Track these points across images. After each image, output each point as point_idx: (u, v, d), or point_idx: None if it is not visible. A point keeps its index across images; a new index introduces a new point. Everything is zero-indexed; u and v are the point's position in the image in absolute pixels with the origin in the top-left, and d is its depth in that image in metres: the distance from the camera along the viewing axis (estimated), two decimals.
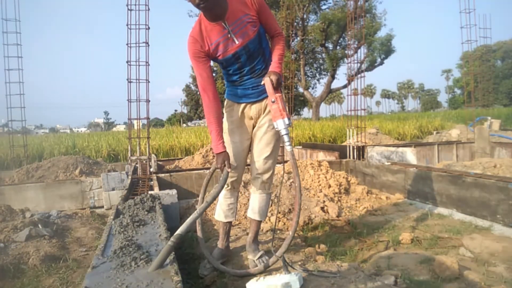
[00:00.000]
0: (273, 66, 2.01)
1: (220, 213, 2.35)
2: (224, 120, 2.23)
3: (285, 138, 1.89)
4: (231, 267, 2.23)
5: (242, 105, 2.17)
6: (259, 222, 2.32)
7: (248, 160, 2.33)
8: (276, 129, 1.93)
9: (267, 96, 2.02)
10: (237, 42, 1.96)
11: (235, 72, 2.09)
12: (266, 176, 2.19)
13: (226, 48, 1.98)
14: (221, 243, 2.38)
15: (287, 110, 1.93)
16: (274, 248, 2.04)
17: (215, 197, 1.98)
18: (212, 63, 2.11)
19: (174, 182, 4.34)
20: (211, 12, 1.89)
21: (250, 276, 2.02)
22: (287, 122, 1.88)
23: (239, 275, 2.11)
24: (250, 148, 2.27)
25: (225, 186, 2.25)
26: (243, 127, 2.21)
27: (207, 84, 2.03)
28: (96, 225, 3.45)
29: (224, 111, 2.26)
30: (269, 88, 1.92)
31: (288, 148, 1.89)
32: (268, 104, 2.02)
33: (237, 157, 2.20)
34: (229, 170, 2.02)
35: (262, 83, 2.00)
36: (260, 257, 2.17)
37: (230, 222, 2.38)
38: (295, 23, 23.45)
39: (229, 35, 1.95)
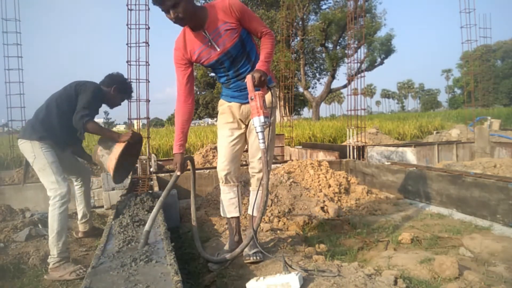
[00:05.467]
0: (259, 64, 2.07)
1: (223, 209, 2.39)
2: (218, 116, 2.38)
3: (259, 135, 1.92)
4: (232, 264, 2.24)
5: (232, 104, 2.29)
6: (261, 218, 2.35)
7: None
8: (253, 126, 1.97)
9: None
10: (218, 49, 2.10)
11: (221, 75, 2.25)
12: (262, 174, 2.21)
13: (209, 55, 2.13)
14: (230, 242, 2.39)
15: (266, 108, 1.94)
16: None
17: (167, 193, 2.17)
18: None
19: None
20: (190, 24, 2.07)
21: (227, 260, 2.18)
22: (262, 120, 1.91)
23: (218, 262, 2.22)
24: (243, 144, 2.35)
25: (220, 181, 2.33)
26: (233, 123, 2.30)
27: (181, 89, 2.21)
28: (96, 225, 3.45)
29: (218, 108, 2.40)
30: (249, 85, 1.95)
31: (261, 145, 1.93)
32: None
33: (227, 150, 2.28)
34: (178, 173, 2.21)
35: (245, 81, 2.04)
36: (256, 252, 2.21)
37: (236, 218, 2.38)
38: (295, 23, 23.45)
39: (209, 43, 2.10)
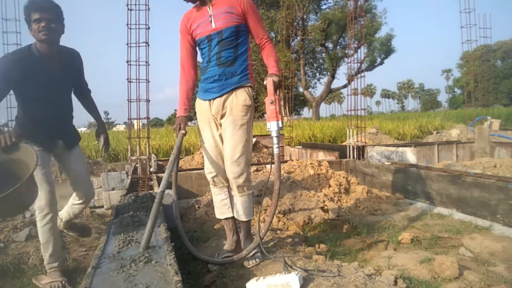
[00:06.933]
0: (273, 69, 2.14)
1: (216, 211, 2.40)
2: (197, 118, 2.36)
3: (275, 140, 1.99)
4: (232, 265, 2.23)
5: (206, 103, 2.27)
6: (248, 221, 2.35)
7: None
8: (268, 130, 2.02)
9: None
10: (213, 26, 2.15)
11: (204, 55, 2.26)
12: (241, 179, 2.18)
13: (204, 29, 2.19)
14: (228, 243, 2.40)
15: (283, 112, 1.99)
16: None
17: (178, 151, 2.21)
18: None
19: None
20: None
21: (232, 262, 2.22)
22: (280, 125, 1.98)
23: (219, 263, 2.23)
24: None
25: (210, 183, 2.36)
26: (212, 123, 2.28)
27: (185, 59, 2.32)
28: (96, 225, 3.45)
29: (196, 109, 2.39)
30: (270, 88, 2.01)
31: (275, 150, 1.99)
32: (266, 103, 2.08)
33: (211, 152, 2.28)
34: (183, 132, 2.23)
35: (264, 82, 2.10)
36: (254, 254, 2.20)
37: (231, 218, 2.37)
38: (295, 23, 23.44)
39: (210, 19, 2.16)
